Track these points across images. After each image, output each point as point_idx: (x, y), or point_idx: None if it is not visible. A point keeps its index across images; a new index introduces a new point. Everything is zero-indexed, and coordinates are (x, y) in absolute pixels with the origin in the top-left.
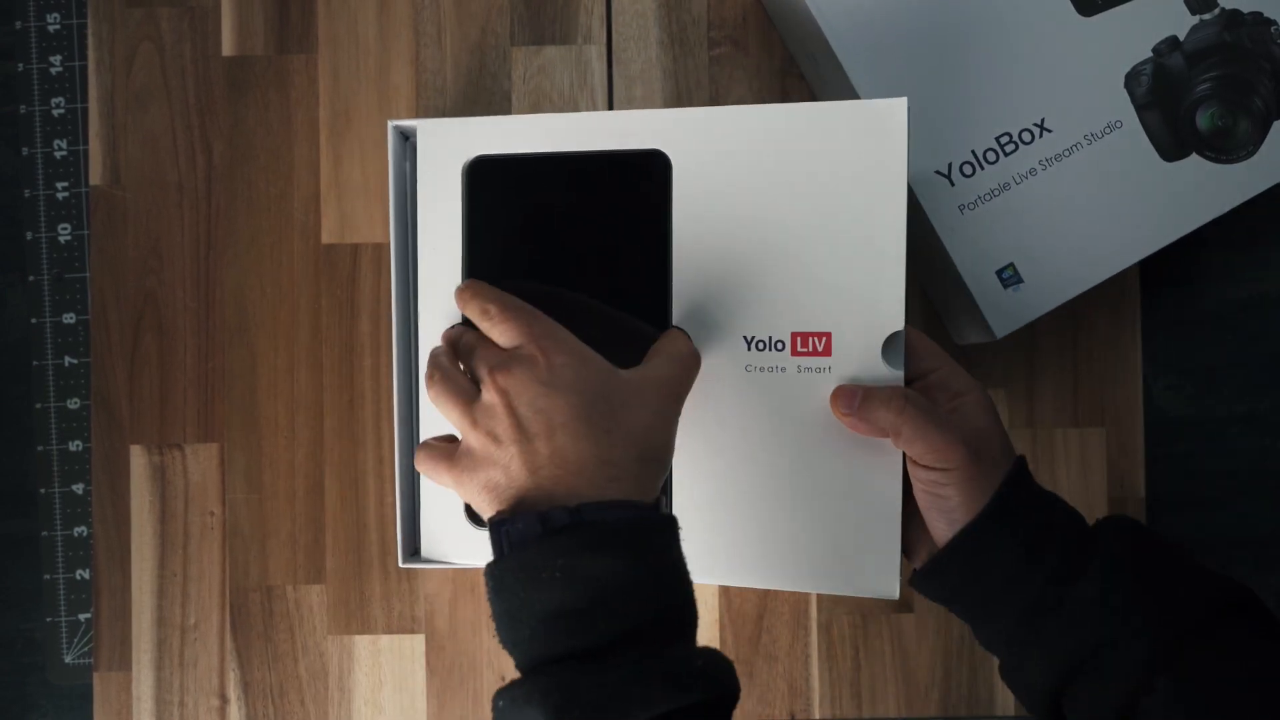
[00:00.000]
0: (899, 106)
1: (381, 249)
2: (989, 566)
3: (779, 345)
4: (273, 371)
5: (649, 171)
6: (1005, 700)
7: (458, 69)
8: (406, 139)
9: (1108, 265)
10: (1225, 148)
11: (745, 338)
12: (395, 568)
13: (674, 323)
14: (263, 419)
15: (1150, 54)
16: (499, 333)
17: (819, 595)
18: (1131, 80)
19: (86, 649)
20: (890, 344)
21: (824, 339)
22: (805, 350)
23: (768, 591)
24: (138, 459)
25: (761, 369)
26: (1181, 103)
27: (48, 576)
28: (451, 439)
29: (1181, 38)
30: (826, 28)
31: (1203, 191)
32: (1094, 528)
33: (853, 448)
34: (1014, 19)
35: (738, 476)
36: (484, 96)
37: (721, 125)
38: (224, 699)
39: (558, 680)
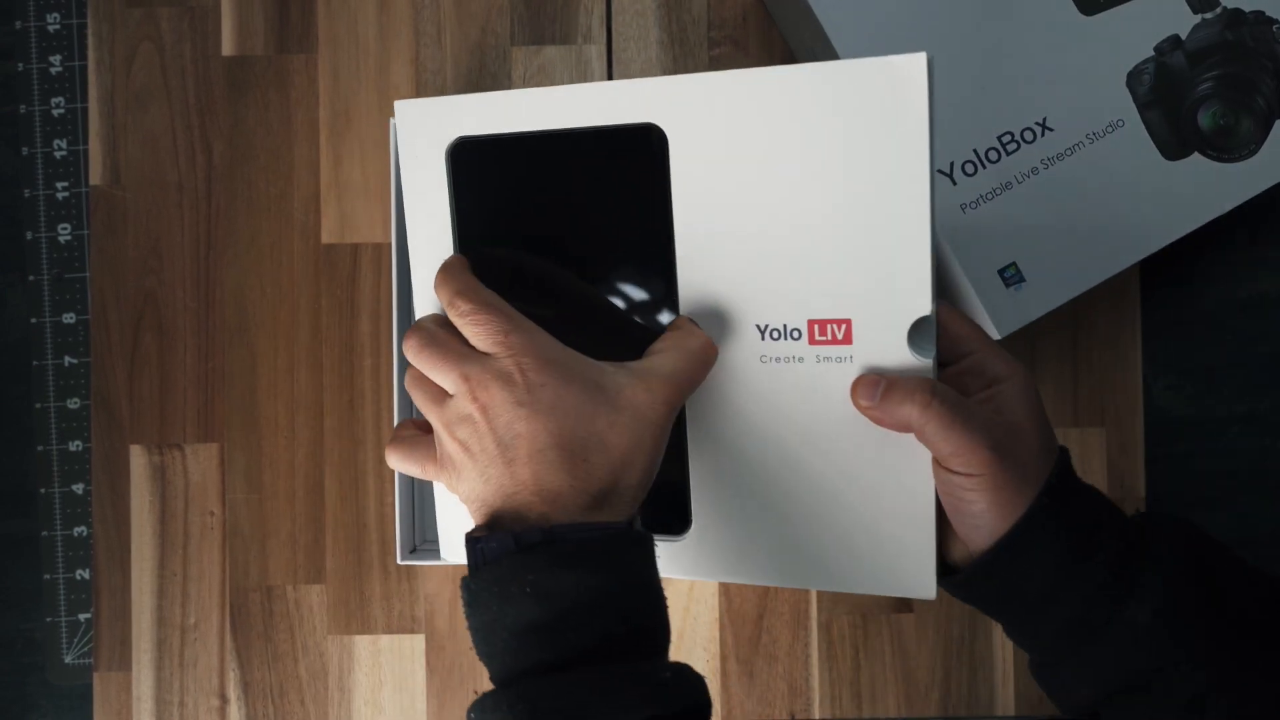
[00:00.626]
0: (918, 63)
1: (381, 249)
2: (1028, 577)
3: (795, 334)
4: (273, 371)
5: (644, 148)
6: (1005, 700)
7: (458, 69)
8: None
9: (1110, 264)
10: (1227, 147)
11: (758, 326)
12: (395, 567)
13: (681, 312)
14: (263, 419)
15: (1152, 53)
16: (470, 333)
17: (819, 595)
18: (1133, 79)
19: (86, 649)
20: (918, 329)
21: (844, 326)
22: (824, 339)
23: (768, 591)
24: (138, 459)
25: (777, 359)
26: (1183, 102)
27: (48, 576)
28: (423, 426)
29: (1183, 37)
30: (827, 24)
31: (1204, 190)
32: (1141, 529)
33: (880, 441)
34: (1016, 17)
35: (757, 474)
36: None
37: (720, 92)
38: (224, 699)
39: (524, 691)
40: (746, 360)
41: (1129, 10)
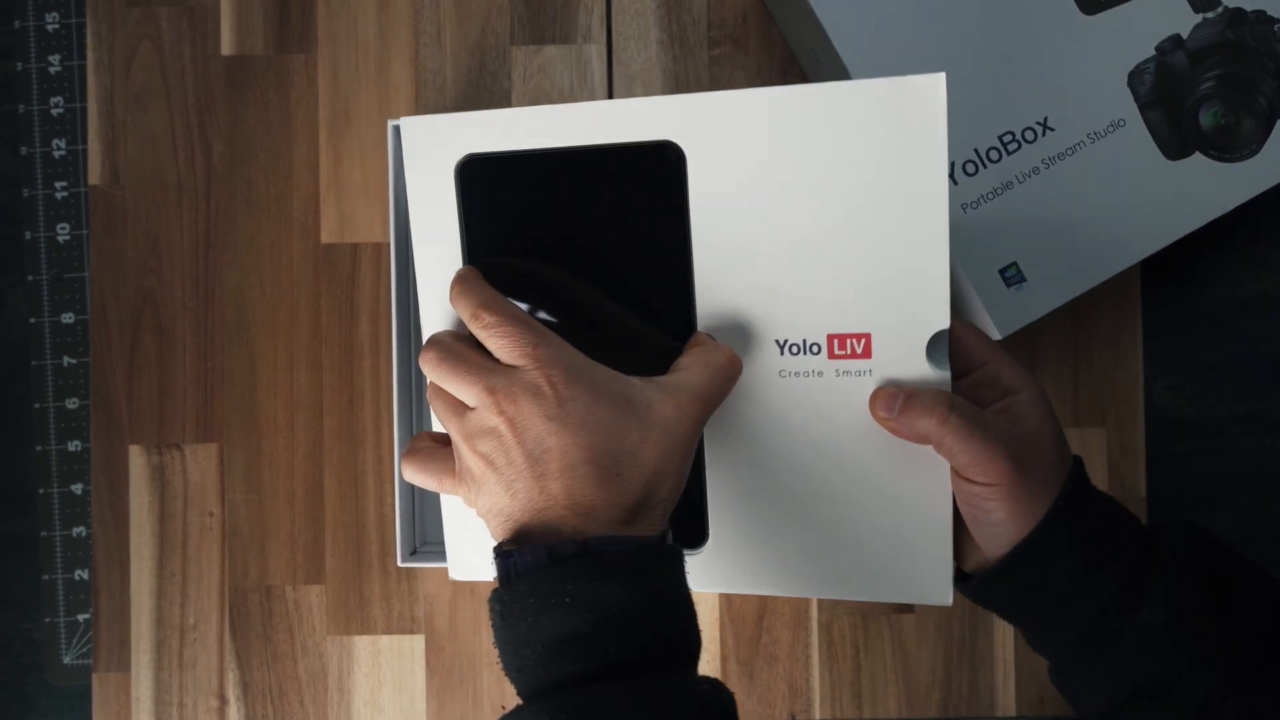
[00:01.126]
0: (936, 83)
1: (381, 249)
2: (1043, 584)
3: (814, 348)
4: (272, 371)
5: (662, 165)
6: (1005, 700)
7: (458, 69)
8: None
9: (1111, 264)
10: (1228, 146)
11: (777, 341)
12: (395, 568)
13: (699, 328)
14: (262, 419)
15: (1153, 52)
16: (495, 346)
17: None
18: (1134, 79)
19: (85, 649)
20: (935, 343)
21: (863, 340)
22: (843, 353)
23: None
24: (137, 459)
25: (796, 374)
26: (1185, 101)
27: (46, 577)
28: (440, 438)
29: (1184, 36)
30: (827, 23)
31: (1205, 190)
32: (1154, 537)
33: (898, 453)
34: (1017, 16)
35: (775, 487)
36: (484, 96)
37: (739, 111)
38: (223, 699)
39: (562, 701)
40: (766, 375)
41: (1130, 9)
